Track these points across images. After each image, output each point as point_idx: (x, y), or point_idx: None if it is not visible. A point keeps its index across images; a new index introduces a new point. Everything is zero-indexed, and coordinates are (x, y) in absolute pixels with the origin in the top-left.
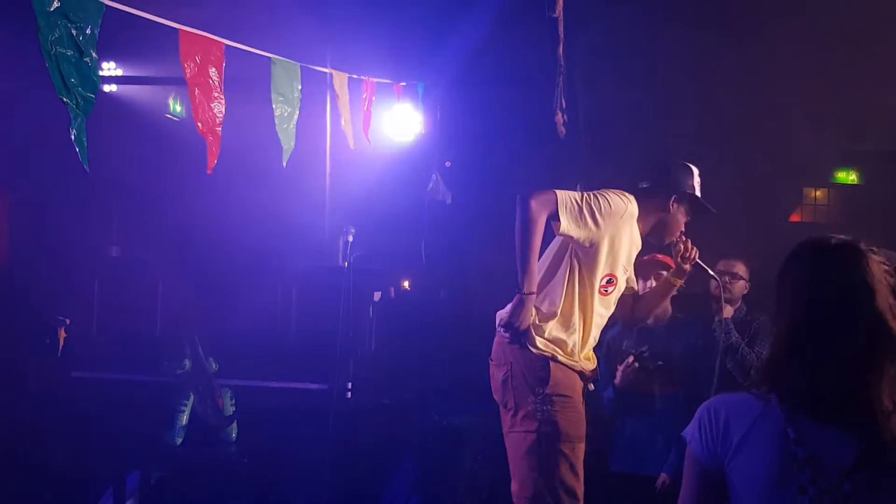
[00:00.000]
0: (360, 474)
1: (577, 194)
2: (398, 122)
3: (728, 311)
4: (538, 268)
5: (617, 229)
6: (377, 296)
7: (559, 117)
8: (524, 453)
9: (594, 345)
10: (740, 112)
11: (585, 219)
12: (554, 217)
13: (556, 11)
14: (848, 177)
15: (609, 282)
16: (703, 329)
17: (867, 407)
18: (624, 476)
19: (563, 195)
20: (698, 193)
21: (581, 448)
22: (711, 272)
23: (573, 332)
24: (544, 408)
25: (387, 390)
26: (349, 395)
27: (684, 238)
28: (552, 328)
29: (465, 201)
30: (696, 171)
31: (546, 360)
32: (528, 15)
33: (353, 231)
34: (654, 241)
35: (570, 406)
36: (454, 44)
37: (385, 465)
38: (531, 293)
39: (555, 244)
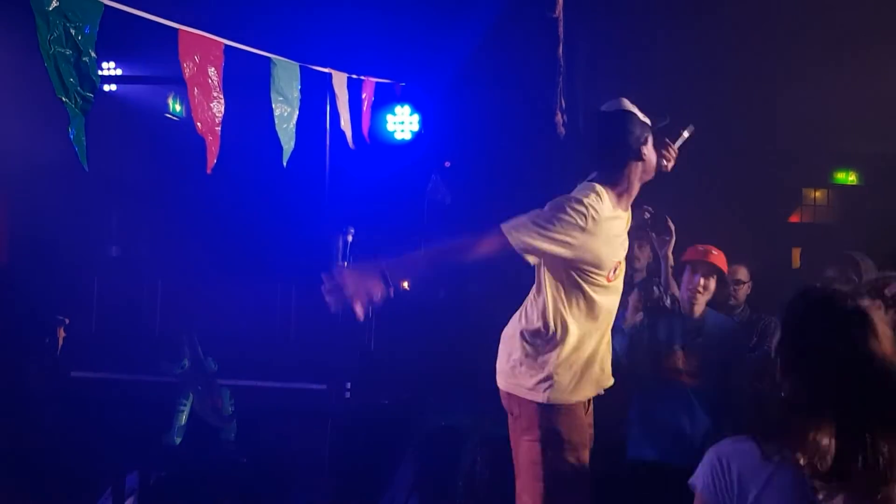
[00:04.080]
0: (360, 474)
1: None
2: (397, 123)
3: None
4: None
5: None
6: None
7: (559, 117)
8: (530, 462)
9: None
10: (740, 112)
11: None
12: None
13: (556, 12)
14: (847, 177)
15: (613, 269)
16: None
17: (876, 470)
18: (646, 465)
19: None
20: (646, 119)
21: (586, 453)
22: (687, 135)
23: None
24: (547, 416)
25: (386, 390)
26: (348, 395)
27: (664, 151)
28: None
29: (465, 201)
30: (628, 105)
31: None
32: (527, 15)
33: (352, 231)
34: (646, 180)
35: (572, 412)
36: (454, 44)
37: (385, 465)
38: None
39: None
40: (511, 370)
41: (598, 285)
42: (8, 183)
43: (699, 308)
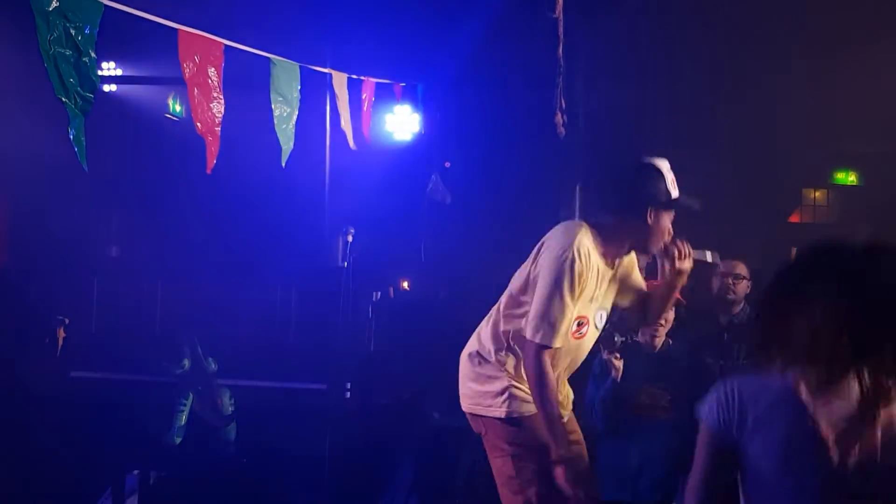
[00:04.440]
0: (360, 474)
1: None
2: (398, 123)
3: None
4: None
5: None
6: (377, 296)
7: (559, 118)
8: (506, 479)
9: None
10: (740, 113)
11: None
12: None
13: (556, 12)
14: (847, 178)
15: (580, 324)
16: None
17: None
18: None
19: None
20: (675, 193)
21: (561, 471)
22: (709, 259)
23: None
24: (511, 429)
25: (386, 390)
26: (348, 395)
27: (676, 242)
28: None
29: (465, 202)
30: (665, 167)
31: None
32: (527, 16)
33: (352, 231)
34: (639, 253)
35: (536, 422)
36: (454, 44)
37: (384, 465)
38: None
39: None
40: (470, 391)
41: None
42: (8, 183)
43: (659, 341)
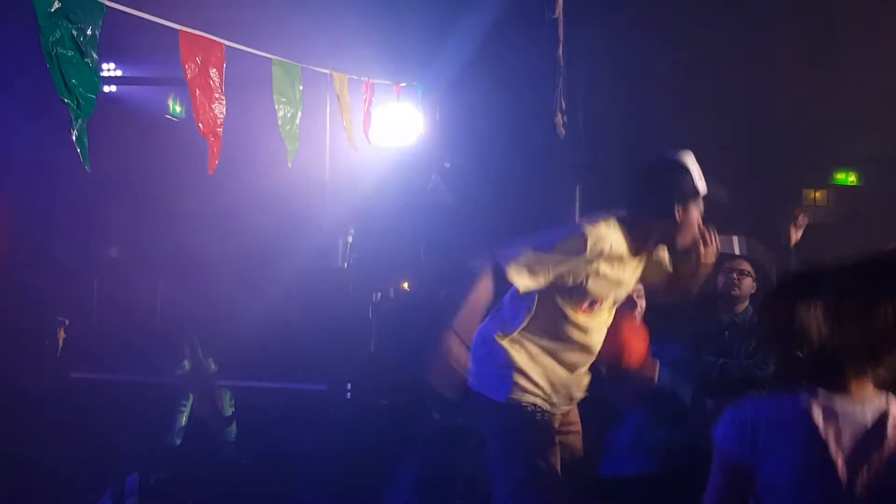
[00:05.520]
0: (360, 474)
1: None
2: (398, 124)
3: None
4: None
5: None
6: (377, 296)
7: (559, 118)
8: (496, 462)
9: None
10: (740, 113)
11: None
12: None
13: (556, 13)
14: (847, 178)
15: (592, 303)
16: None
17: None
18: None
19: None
20: (702, 188)
21: (553, 456)
22: (737, 250)
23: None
24: (508, 414)
25: (387, 390)
26: (349, 395)
27: (703, 232)
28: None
29: (465, 202)
30: (690, 160)
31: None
32: (527, 16)
33: (352, 232)
34: (671, 248)
35: (532, 413)
36: (454, 45)
37: (385, 465)
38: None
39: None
40: (476, 369)
41: (571, 309)
42: (9, 183)
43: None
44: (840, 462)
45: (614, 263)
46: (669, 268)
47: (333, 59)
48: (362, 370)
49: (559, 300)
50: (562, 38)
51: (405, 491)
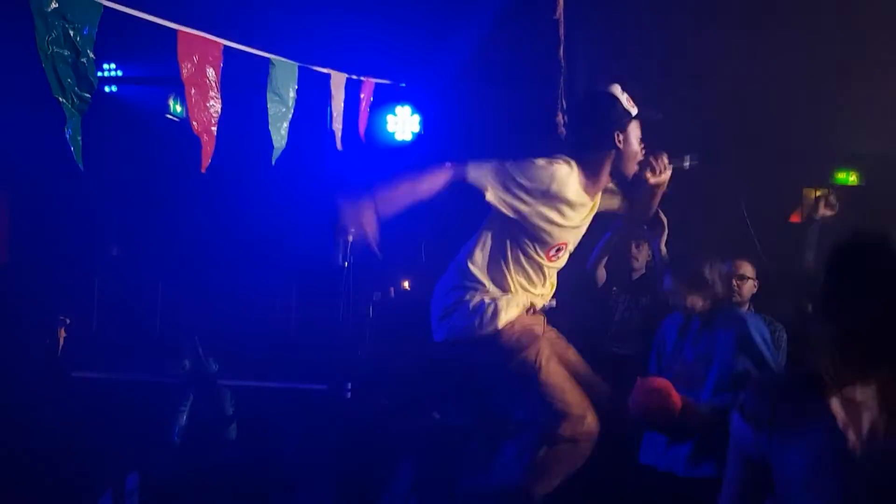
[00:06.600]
0: (360, 474)
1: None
2: (398, 123)
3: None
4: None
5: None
6: (378, 296)
7: (559, 118)
8: (517, 380)
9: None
10: (740, 113)
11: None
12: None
13: (557, 13)
14: (848, 177)
15: (558, 250)
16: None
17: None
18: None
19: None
20: (633, 110)
21: (536, 353)
22: (686, 165)
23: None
24: (494, 343)
25: (386, 390)
26: (349, 395)
27: (651, 156)
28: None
29: (465, 202)
30: (617, 90)
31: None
32: (527, 16)
33: (353, 232)
34: (620, 177)
35: (510, 327)
36: (455, 45)
37: (385, 465)
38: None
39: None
40: (447, 320)
41: (536, 260)
42: (9, 183)
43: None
44: (857, 455)
45: (576, 207)
46: (622, 200)
47: (333, 58)
48: (362, 370)
49: (529, 248)
50: (562, 38)
51: (405, 491)
